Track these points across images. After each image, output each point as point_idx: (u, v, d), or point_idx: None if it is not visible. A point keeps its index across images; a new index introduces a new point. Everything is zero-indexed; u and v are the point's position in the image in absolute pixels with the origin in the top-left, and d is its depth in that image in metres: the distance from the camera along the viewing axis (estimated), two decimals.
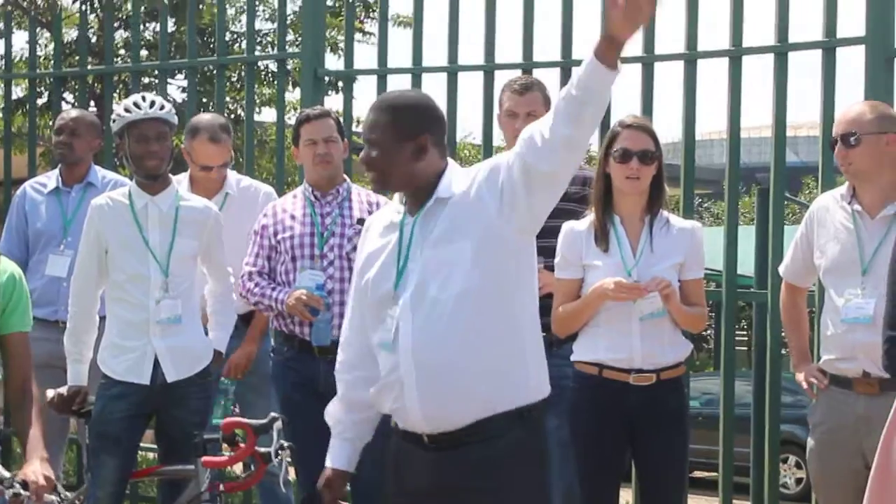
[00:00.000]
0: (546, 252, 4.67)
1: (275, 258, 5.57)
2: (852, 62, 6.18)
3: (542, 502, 3.75)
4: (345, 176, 5.70)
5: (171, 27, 13.35)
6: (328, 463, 3.90)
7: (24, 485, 3.96)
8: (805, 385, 4.95)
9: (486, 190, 3.60)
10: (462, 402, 3.60)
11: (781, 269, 5.16)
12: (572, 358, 4.89)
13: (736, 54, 5.87)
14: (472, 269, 3.57)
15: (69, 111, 6.94)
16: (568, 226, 4.85)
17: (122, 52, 13.07)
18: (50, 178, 6.45)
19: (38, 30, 10.51)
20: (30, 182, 6.55)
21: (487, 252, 3.58)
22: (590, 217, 4.87)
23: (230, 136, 6.08)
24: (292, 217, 5.55)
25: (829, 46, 5.67)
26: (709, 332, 23.60)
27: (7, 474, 3.98)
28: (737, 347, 6.37)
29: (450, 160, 3.78)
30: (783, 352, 5.63)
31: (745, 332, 20.26)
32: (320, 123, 5.56)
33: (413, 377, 3.60)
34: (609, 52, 3.37)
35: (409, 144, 3.68)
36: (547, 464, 3.78)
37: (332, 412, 3.93)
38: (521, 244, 3.66)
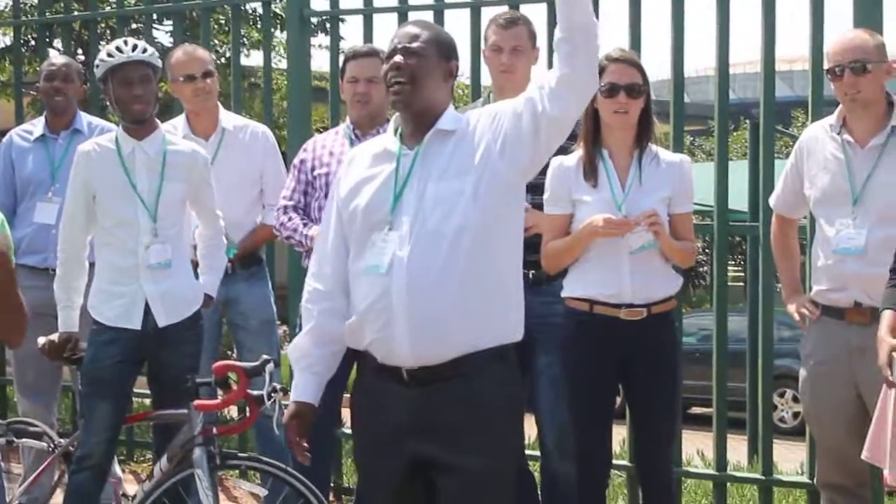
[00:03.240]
0: (534, 189, 4.63)
1: (311, 193, 5.51)
2: None
3: (518, 440, 3.80)
4: (388, 116, 5.65)
5: None
6: (293, 397, 3.83)
7: (17, 433, 3.97)
8: (797, 316, 4.93)
9: (490, 132, 3.62)
10: (450, 336, 3.57)
11: (772, 201, 5.14)
12: (562, 294, 4.86)
13: None
14: (472, 205, 3.57)
15: (56, 57, 6.89)
16: (557, 161, 4.80)
17: None
18: (36, 126, 6.41)
19: None
20: (16, 130, 6.50)
21: (487, 189, 3.59)
22: (578, 152, 4.84)
23: (211, 62, 6.09)
24: (331, 153, 5.49)
25: None
26: (706, 268, 23.63)
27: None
28: (735, 283, 6.36)
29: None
30: (778, 286, 5.62)
31: (742, 268, 20.26)
32: (366, 62, 5.45)
33: (405, 305, 3.56)
34: None
35: (444, 65, 3.70)
36: (522, 404, 3.82)
37: (301, 345, 3.85)
38: (515, 185, 3.68)
